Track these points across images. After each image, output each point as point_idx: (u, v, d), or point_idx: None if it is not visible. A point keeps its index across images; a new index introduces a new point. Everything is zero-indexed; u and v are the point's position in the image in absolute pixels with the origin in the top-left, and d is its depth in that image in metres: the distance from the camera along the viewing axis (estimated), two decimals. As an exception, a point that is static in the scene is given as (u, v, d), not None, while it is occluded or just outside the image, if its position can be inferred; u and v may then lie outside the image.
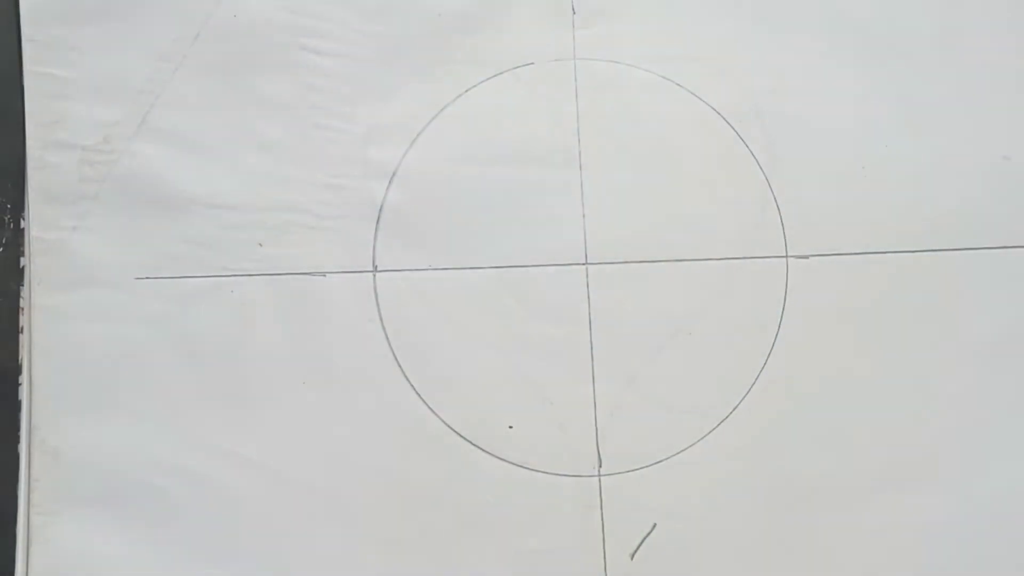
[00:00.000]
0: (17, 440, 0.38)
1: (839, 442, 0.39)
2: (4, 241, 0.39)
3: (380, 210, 0.40)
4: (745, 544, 0.38)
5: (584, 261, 0.40)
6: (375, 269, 0.40)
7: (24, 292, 0.39)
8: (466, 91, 0.41)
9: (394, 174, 0.41)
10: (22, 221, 0.39)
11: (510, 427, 0.39)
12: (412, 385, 0.39)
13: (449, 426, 0.39)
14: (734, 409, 0.39)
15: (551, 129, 0.41)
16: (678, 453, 0.39)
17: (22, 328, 0.38)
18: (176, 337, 0.39)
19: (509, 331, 0.39)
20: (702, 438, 0.39)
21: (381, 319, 0.39)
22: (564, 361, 0.39)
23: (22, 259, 0.39)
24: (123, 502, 0.37)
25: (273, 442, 0.38)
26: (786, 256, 0.41)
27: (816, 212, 0.41)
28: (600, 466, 0.39)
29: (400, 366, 0.39)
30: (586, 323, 0.40)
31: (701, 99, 0.42)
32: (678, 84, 0.42)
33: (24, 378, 0.38)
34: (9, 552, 0.37)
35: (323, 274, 0.40)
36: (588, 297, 0.40)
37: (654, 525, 0.38)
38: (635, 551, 0.38)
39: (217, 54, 0.41)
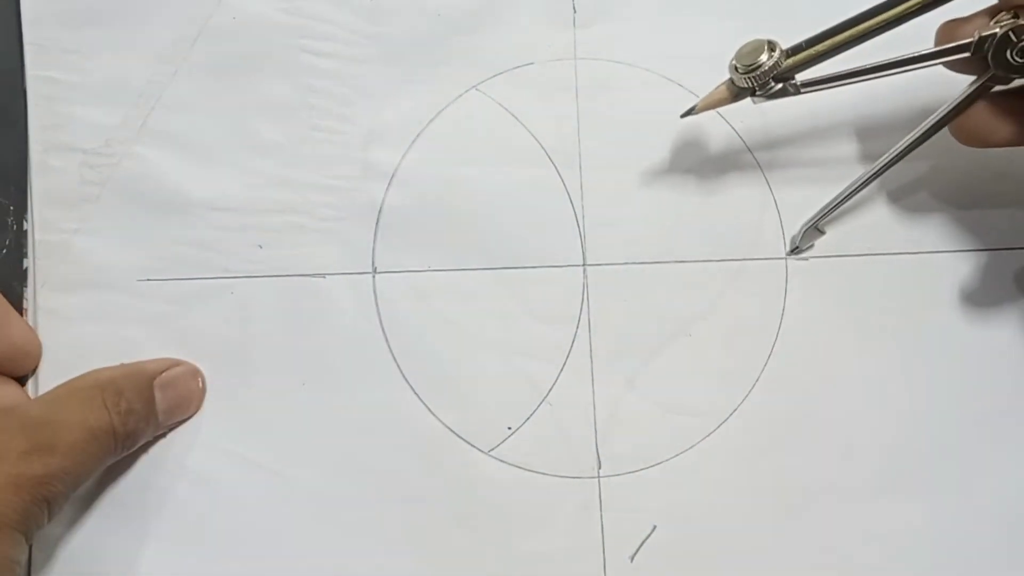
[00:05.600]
0: (21, 440, 0.38)
1: (839, 444, 0.39)
2: (7, 243, 0.39)
3: (379, 211, 0.40)
4: (745, 546, 0.38)
5: (583, 262, 0.40)
6: (374, 271, 0.40)
7: (27, 294, 0.39)
8: (466, 91, 0.41)
9: (393, 175, 0.41)
10: (25, 224, 0.40)
11: (508, 428, 0.39)
12: (411, 386, 0.39)
13: (448, 427, 0.39)
14: (734, 411, 0.39)
15: (551, 129, 0.41)
16: (678, 455, 0.39)
17: (26, 329, 0.39)
18: (177, 338, 0.39)
19: (508, 332, 0.39)
20: (702, 440, 0.39)
21: (380, 321, 0.39)
22: (563, 362, 0.39)
23: (25, 261, 0.39)
24: (124, 502, 0.38)
25: (273, 443, 0.38)
26: (786, 257, 0.40)
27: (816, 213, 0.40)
28: (599, 468, 0.39)
29: (399, 367, 0.39)
30: (585, 324, 0.40)
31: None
32: (679, 84, 0.41)
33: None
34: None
35: (323, 275, 0.40)
36: (587, 298, 0.40)
37: (654, 527, 0.38)
38: (635, 553, 0.38)
39: (217, 56, 0.41)
